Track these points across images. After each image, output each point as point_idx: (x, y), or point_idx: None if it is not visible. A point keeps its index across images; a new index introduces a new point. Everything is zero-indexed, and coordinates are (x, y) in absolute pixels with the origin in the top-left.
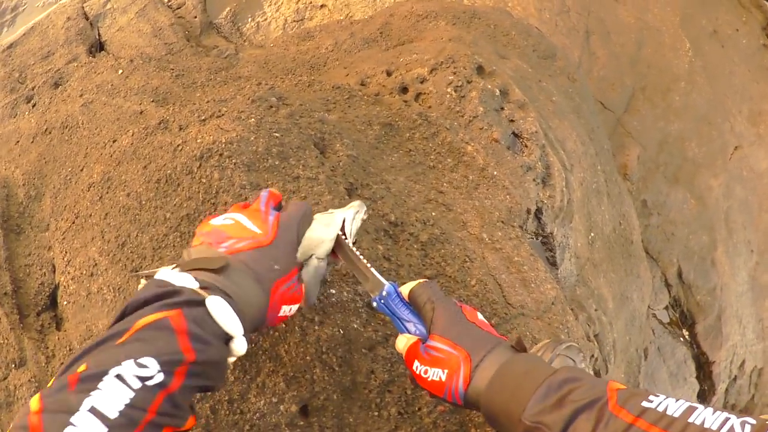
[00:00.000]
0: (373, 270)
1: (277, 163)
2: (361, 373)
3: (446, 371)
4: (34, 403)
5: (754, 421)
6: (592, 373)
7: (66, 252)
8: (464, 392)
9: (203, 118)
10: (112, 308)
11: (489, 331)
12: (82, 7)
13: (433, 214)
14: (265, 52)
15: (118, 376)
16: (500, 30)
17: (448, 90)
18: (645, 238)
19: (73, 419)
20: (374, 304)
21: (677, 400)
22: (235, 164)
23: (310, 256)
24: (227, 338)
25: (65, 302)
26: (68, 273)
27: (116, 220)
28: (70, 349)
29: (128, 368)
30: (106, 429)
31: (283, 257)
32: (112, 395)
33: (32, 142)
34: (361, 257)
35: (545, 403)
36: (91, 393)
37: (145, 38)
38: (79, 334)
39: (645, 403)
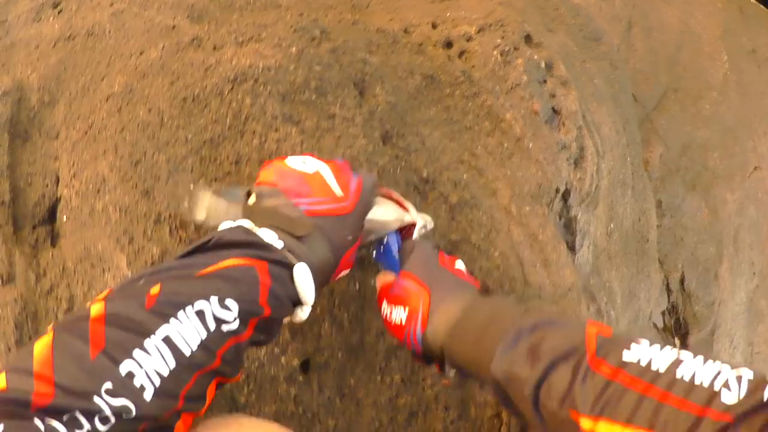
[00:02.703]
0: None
1: (314, 97)
2: (370, 333)
3: (407, 309)
4: (96, 308)
5: (751, 374)
6: None
7: (74, 163)
8: (422, 334)
9: (241, 40)
10: (115, 229)
11: (462, 277)
12: None
13: (465, 176)
14: None
15: (199, 312)
16: (550, 3)
17: (494, 53)
18: (657, 238)
19: (146, 343)
20: (374, 252)
21: (663, 348)
22: (269, 92)
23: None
24: (296, 303)
25: (65, 217)
26: (73, 186)
27: (133, 135)
28: (63, 269)
29: (212, 306)
30: (175, 364)
31: (356, 228)
32: (190, 330)
33: (53, 47)
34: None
35: (516, 352)
36: (170, 320)
37: None
38: (76, 254)
39: (626, 353)
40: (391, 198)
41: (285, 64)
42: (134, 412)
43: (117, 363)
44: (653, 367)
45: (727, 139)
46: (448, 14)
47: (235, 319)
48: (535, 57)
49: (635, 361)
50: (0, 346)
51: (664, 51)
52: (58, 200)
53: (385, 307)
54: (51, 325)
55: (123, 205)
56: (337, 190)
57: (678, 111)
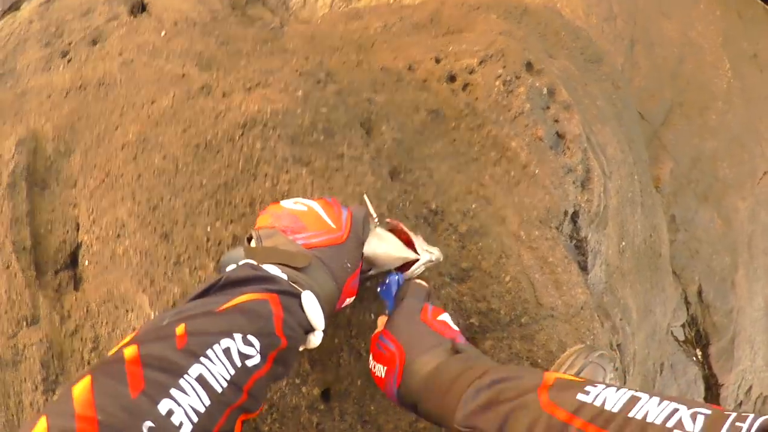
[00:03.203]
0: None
1: (322, 138)
2: None
3: (385, 368)
4: (130, 350)
5: (708, 411)
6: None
7: (93, 210)
8: (397, 389)
9: (249, 86)
10: (137, 272)
11: (440, 332)
12: None
13: (474, 206)
14: (311, 28)
15: (226, 350)
16: (550, 29)
17: (497, 83)
18: (670, 253)
19: (182, 382)
20: (378, 289)
21: (618, 389)
22: (279, 136)
23: (369, 270)
24: (308, 330)
25: (86, 262)
26: (93, 232)
27: (149, 182)
28: (87, 311)
29: (236, 343)
30: (209, 402)
31: (353, 256)
32: (220, 368)
33: (65, 97)
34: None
35: (475, 405)
36: (201, 359)
37: (190, 3)
38: (99, 296)
39: (581, 396)
40: (398, 230)
41: (292, 107)
42: None
43: (156, 402)
44: (607, 407)
45: (735, 147)
46: (450, 48)
47: (257, 353)
48: (537, 84)
49: (590, 402)
50: (27, 384)
51: (667, 66)
52: (79, 246)
53: (372, 362)
54: (85, 370)
55: (143, 249)
56: (330, 223)
57: (685, 124)
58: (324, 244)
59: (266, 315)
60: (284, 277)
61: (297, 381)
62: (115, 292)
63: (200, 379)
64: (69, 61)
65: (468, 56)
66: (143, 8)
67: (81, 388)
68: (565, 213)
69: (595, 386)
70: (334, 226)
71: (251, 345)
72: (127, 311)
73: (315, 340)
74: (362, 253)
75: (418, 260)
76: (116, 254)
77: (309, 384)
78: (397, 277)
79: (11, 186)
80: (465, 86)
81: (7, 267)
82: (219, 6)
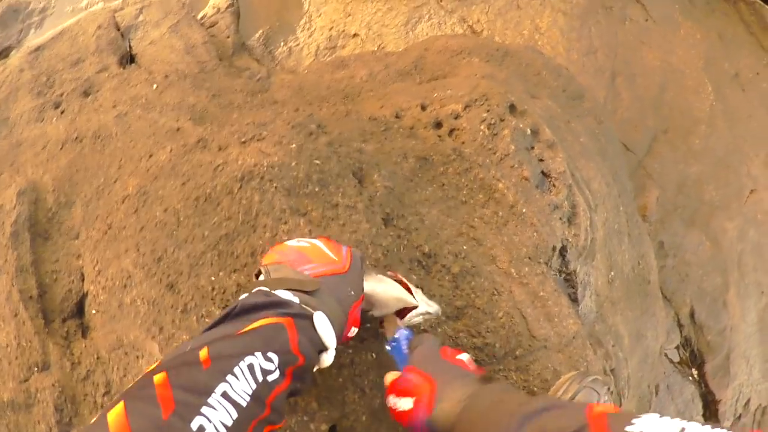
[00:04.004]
0: (392, 317)
1: (317, 189)
2: None
3: (413, 399)
4: (159, 377)
5: None
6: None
7: (97, 261)
8: (428, 419)
9: (243, 140)
10: (145, 320)
11: (464, 367)
12: (114, 17)
13: (465, 247)
14: (299, 79)
15: (250, 366)
16: (531, 69)
17: (482, 127)
18: (660, 278)
19: (210, 400)
20: (387, 348)
21: (662, 417)
22: (276, 188)
23: (369, 311)
24: (321, 350)
25: (93, 311)
26: (98, 282)
27: (152, 234)
28: (97, 357)
29: (258, 360)
30: (237, 415)
31: (355, 285)
32: (243, 383)
33: (61, 149)
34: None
35: None
36: (226, 377)
37: (178, 55)
38: (109, 343)
39: (629, 428)
40: (398, 279)
41: (287, 160)
42: None
43: (188, 421)
44: None
45: (720, 169)
46: (435, 94)
47: (276, 369)
48: (521, 125)
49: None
50: (41, 426)
51: (649, 95)
52: (84, 295)
53: (393, 399)
54: (116, 397)
55: (150, 298)
56: (332, 256)
57: (669, 151)
58: (328, 273)
59: (283, 335)
60: (296, 300)
61: (305, 418)
62: (124, 339)
63: (225, 396)
64: (62, 112)
65: (453, 102)
66: (132, 59)
67: (115, 413)
68: (554, 248)
69: (640, 417)
70: (336, 258)
71: (271, 361)
72: (137, 357)
73: (327, 358)
74: (361, 283)
75: (416, 307)
76: (124, 303)
77: (317, 421)
78: (406, 332)
79: (14, 236)
80: (451, 132)
81: (15, 315)
82: (207, 57)
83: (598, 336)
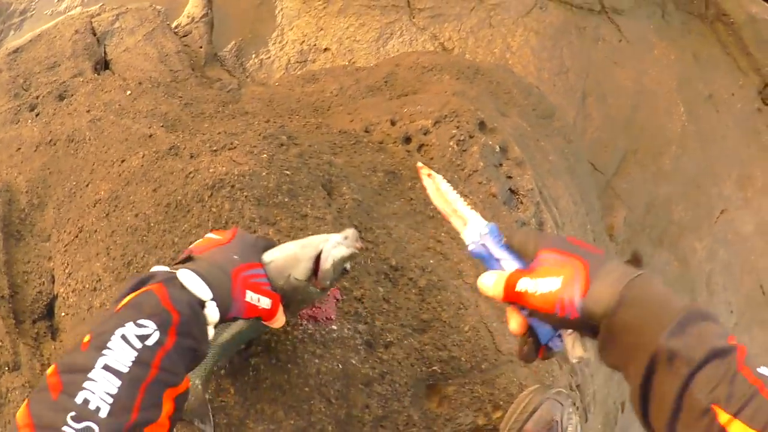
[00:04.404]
0: (472, 212)
1: (286, 200)
2: (356, 407)
3: (561, 278)
4: (50, 369)
5: None
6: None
7: (67, 264)
8: (581, 300)
9: (215, 148)
10: None
11: (594, 249)
12: (91, 22)
13: (431, 261)
14: (269, 91)
15: (123, 336)
16: (502, 87)
17: (451, 143)
18: None
19: (91, 375)
20: (471, 248)
21: None
22: (246, 197)
23: (288, 276)
24: (201, 304)
25: (63, 313)
26: (68, 285)
27: (123, 238)
28: None
29: (130, 329)
30: (119, 382)
31: (241, 252)
32: (121, 352)
33: (35, 151)
34: (460, 198)
35: (687, 335)
36: (103, 351)
37: (151, 62)
38: None
39: (762, 370)
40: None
41: (258, 170)
42: (97, 430)
43: (73, 396)
44: None
45: (691, 190)
46: (405, 110)
47: (155, 331)
48: (490, 142)
49: None
50: (12, 425)
51: (620, 115)
52: (55, 297)
53: (527, 283)
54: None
55: None
56: (217, 238)
57: (638, 172)
58: (209, 248)
59: (152, 299)
60: (165, 269)
61: (272, 427)
62: None
63: (106, 368)
64: (37, 115)
65: (422, 117)
66: (106, 65)
67: (21, 409)
68: None
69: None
70: (219, 237)
71: (145, 327)
72: None
73: (210, 312)
74: (257, 255)
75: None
76: (93, 306)
77: (283, 429)
78: (487, 226)
79: None
80: (420, 147)
81: None
82: (180, 67)
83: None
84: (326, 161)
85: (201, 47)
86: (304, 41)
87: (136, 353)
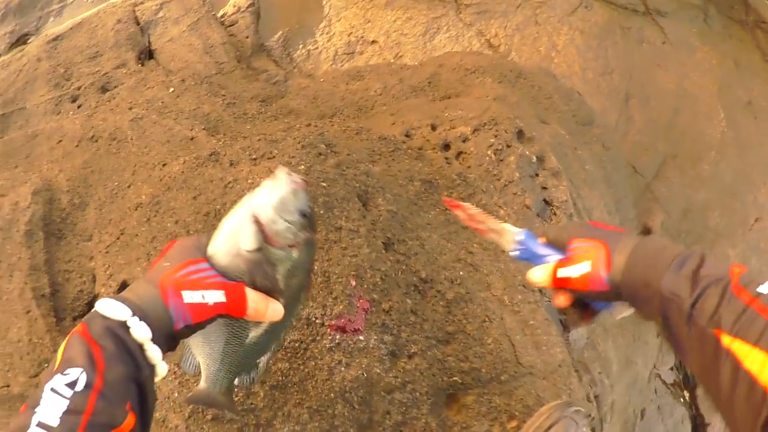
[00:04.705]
0: (504, 224)
1: (322, 212)
2: (378, 413)
3: (590, 261)
4: None
5: None
6: None
7: (108, 266)
8: (607, 275)
9: (254, 157)
10: None
11: (618, 229)
12: (134, 11)
13: (461, 273)
14: (315, 86)
15: (52, 389)
16: (543, 92)
17: (488, 152)
18: None
19: None
20: (515, 254)
21: None
22: None
23: (237, 253)
24: (125, 326)
25: None
26: (110, 286)
27: (163, 245)
28: None
29: (58, 379)
30: None
31: (174, 257)
32: (51, 406)
33: (77, 146)
34: (491, 217)
35: (680, 275)
36: (36, 409)
37: (197, 54)
38: None
39: (761, 288)
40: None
41: None
42: None
43: None
44: None
45: (727, 197)
46: (446, 114)
47: (81, 374)
48: (527, 153)
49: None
50: None
51: (662, 118)
52: (96, 297)
53: (564, 271)
54: None
55: None
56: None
57: (677, 176)
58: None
59: (76, 341)
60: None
61: (297, 428)
62: None
63: (40, 425)
64: (79, 107)
65: (462, 124)
66: (150, 55)
67: None
68: None
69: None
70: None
71: (69, 374)
72: None
73: (137, 330)
74: (198, 253)
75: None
76: None
77: (308, 431)
78: (524, 233)
79: (29, 234)
80: (458, 155)
81: (28, 312)
82: (225, 58)
83: (585, 363)
84: (363, 171)
85: (247, 37)
86: (351, 33)
87: (66, 402)
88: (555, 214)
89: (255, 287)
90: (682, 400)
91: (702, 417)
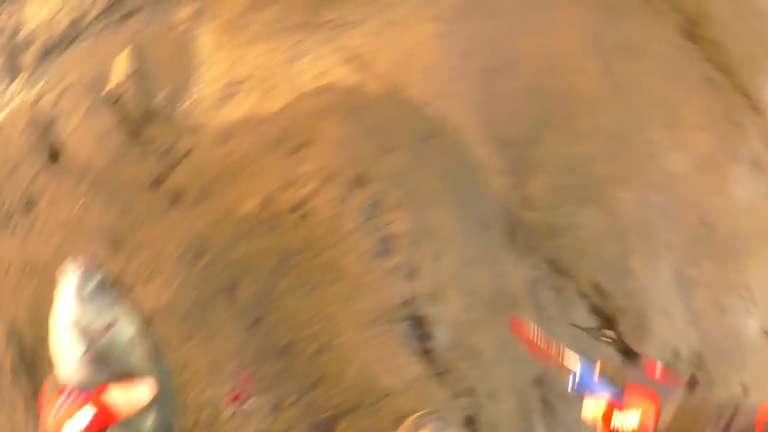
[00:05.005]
0: (565, 351)
1: (198, 314)
2: None
3: (640, 412)
4: None
5: None
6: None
7: None
8: (654, 429)
9: (144, 277)
10: None
11: (666, 380)
12: (35, 112)
13: (318, 327)
14: (198, 153)
15: None
16: (389, 115)
17: (330, 206)
18: (557, 257)
19: None
20: (572, 387)
21: None
22: (166, 324)
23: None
24: None
25: None
26: None
27: None
28: None
29: None
30: None
31: (45, 407)
32: None
33: (20, 279)
34: (552, 343)
35: (718, 426)
36: None
37: (95, 140)
38: None
39: None
40: None
41: (173, 300)
42: None
43: None
44: None
45: (612, 143)
46: (296, 170)
47: None
48: (367, 196)
49: None
50: None
51: (528, 84)
52: None
53: (618, 418)
54: None
55: None
56: None
57: (553, 136)
58: None
59: None
60: None
61: None
62: None
63: None
64: (14, 229)
65: (307, 182)
66: (58, 153)
67: None
68: (401, 304)
69: None
70: None
71: None
72: None
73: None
74: (53, 390)
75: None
76: None
77: None
78: (580, 363)
79: (15, 375)
80: (305, 216)
81: None
82: (120, 138)
83: (451, 362)
84: (229, 261)
85: (136, 107)
86: (225, 76)
87: None
88: (397, 247)
89: (117, 380)
90: (605, 339)
91: (632, 349)
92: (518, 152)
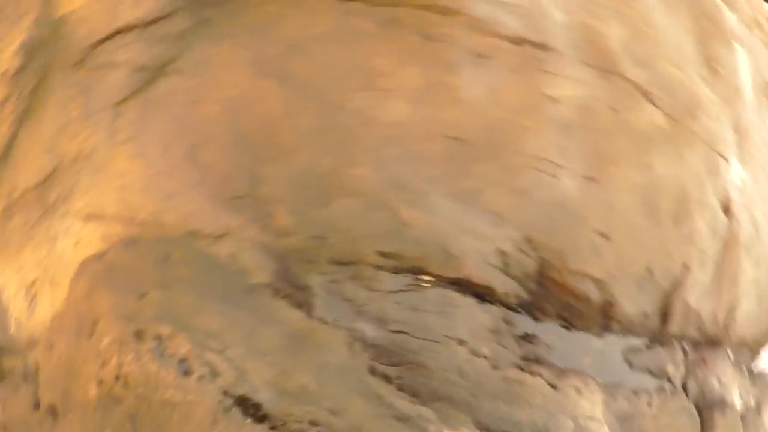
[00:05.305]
0: None
1: None
2: None
3: None
4: None
5: None
6: None
7: None
8: None
9: None
10: None
11: None
12: None
13: None
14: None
15: None
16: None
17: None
18: (333, 257)
19: None
20: None
21: None
22: None
23: None
24: None
25: None
26: None
27: None
28: None
29: None
30: None
31: None
32: None
33: None
34: None
35: None
36: None
37: None
38: None
39: None
40: None
41: None
42: None
43: None
44: None
45: (320, 137)
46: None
47: None
48: (152, 342)
49: None
50: None
51: (230, 143)
52: None
53: None
54: None
55: None
56: None
57: (272, 168)
58: None
59: None
60: None
61: None
62: None
63: None
64: None
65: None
66: None
67: None
68: (221, 398)
69: None
70: None
71: None
72: None
73: None
74: None
75: None
76: None
77: None
78: None
79: None
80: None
81: None
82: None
83: (285, 412)
84: None
85: None
86: (21, 285)
87: None
88: (190, 361)
89: None
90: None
91: None
92: (249, 202)
